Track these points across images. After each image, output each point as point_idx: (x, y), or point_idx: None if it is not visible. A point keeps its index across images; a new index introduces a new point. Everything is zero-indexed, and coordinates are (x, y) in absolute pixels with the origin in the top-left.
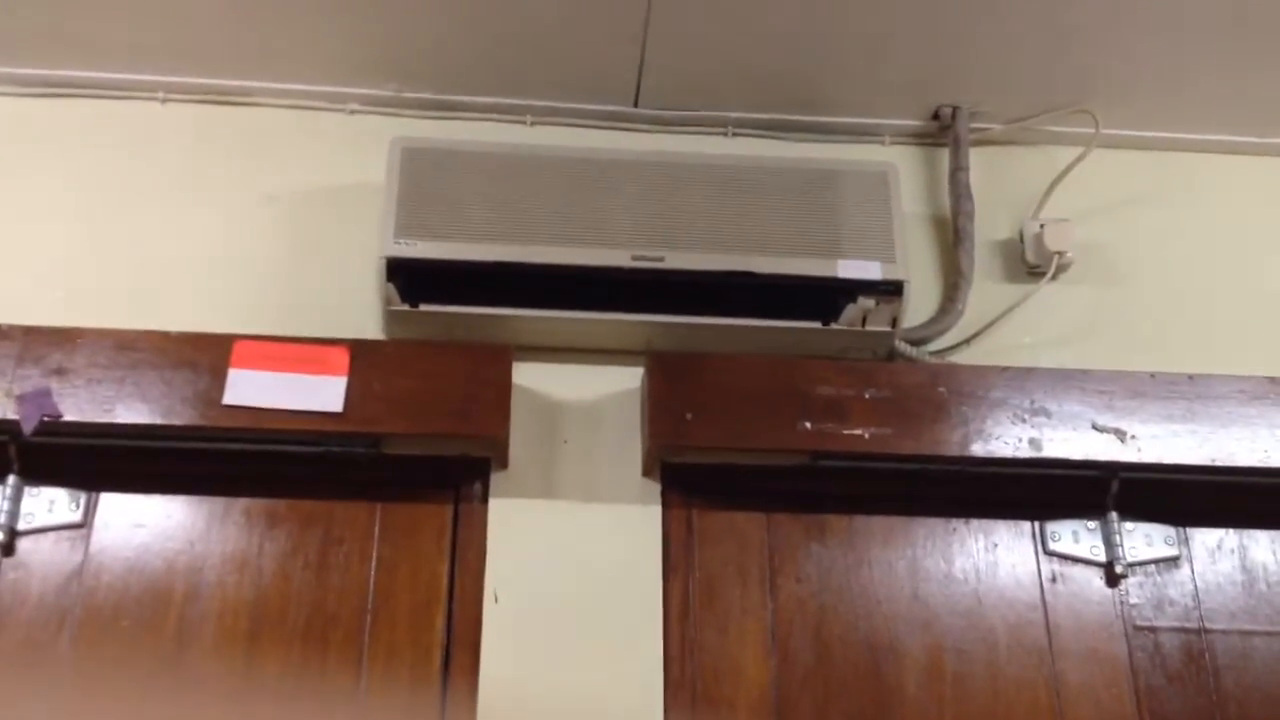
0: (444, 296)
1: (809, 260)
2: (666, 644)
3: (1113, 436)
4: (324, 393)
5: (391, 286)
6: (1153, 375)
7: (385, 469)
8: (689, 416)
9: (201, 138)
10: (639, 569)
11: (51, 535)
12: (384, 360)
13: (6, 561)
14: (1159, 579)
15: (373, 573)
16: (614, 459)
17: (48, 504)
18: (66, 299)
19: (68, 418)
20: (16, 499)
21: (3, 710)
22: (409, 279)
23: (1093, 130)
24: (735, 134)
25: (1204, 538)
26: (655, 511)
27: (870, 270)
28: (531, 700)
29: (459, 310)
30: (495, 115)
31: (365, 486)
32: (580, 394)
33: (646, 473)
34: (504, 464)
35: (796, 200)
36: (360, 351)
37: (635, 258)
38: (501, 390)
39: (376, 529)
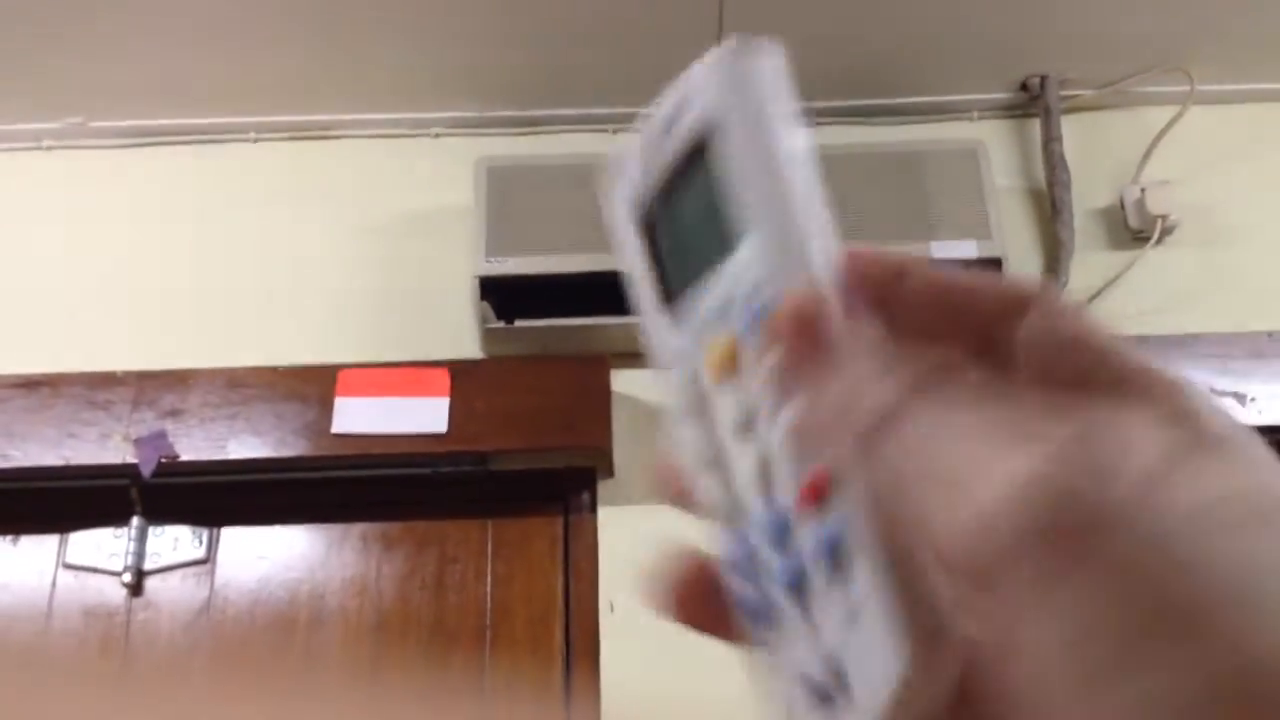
0: (538, 311)
1: (901, 245)
2: None
3: (1232, 400)
4: (428, 414)
5: (486, 305)
6: (1270, 334)
7: (493, 486)
8: None
9: (294, 173)
10: None
11: (178, 573)
12: (484, 379)
13: (136, 602)
14: None
15: (489, 589)
16: None
17: (172, 542)
18: (175, 342)
19: (184, 457)
20: (142, 539)
21: None
22: (502, 296)
23: (1188, 88)
24: (820, 124)
25: None
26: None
27: (966, 250)
28: (655, 707)
29: (554, 323)
30: (578, 127)
31: (475, 504)
32: None
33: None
34: (609, 472)
35: (885, 185)
36: (460, 372)
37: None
38: (601, 399)
39: (489, 546)
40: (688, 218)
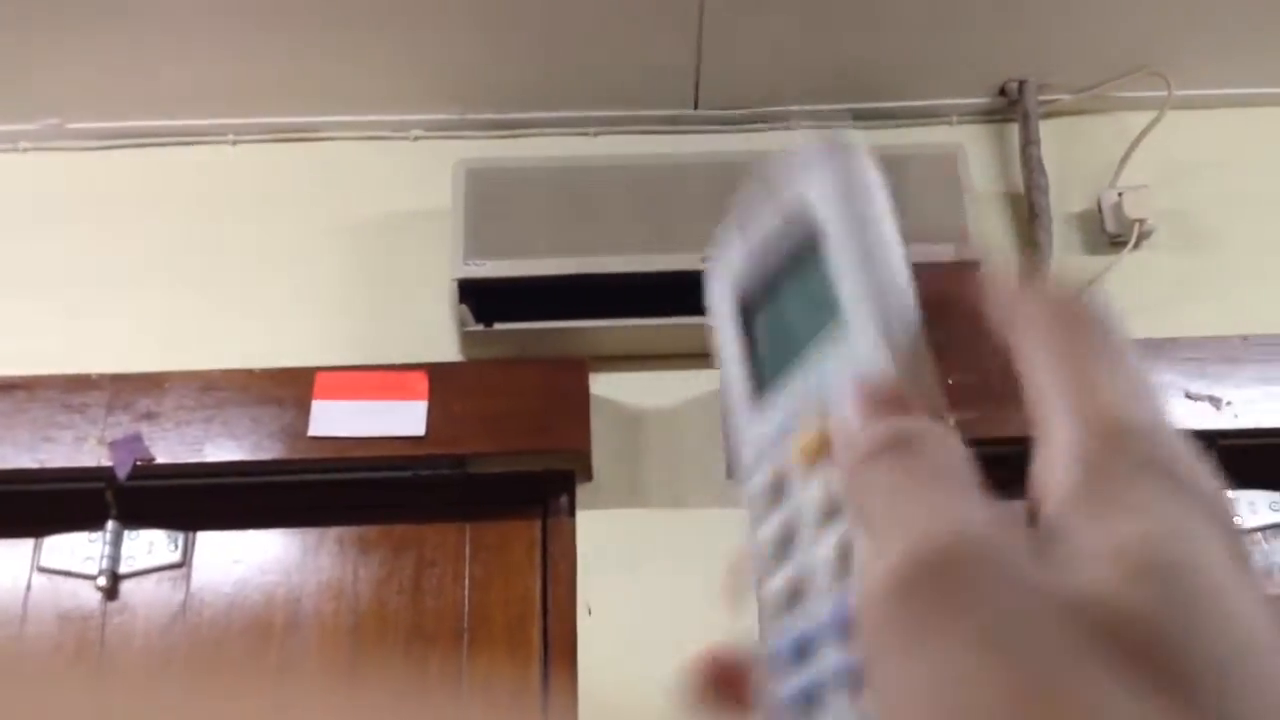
0: (517, 314)
1: None
2: None
3: (1207, 404)
4: (406, 418)
5: (465, 308)
6: (1245, 338)
7: (471, 489)
8: None
9: (272, 176)
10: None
11: (153, 576)
12: (462, 381)
13: (111, 605)
14: (1267, 546)
15: (467, 593)
16: (697, 463)
17: (147, 546)
18: (151, 345)
19: (160, 460)
20: (117, 543)
21: None
22: (481, 299)
23: (1165, 92)
24: (799, 128)
25: None
26: (742, 514)
27: (944, 253)
28: (632, 711)
29: (533, 326)
30: (557, 129)
31: (453, 507)
32: (659, 400)
33: (731, 475)
34: (588, 476)
35: None
36: (438, 374)
37: (705, 260)
38: (580, 402)
39: (467, 549)
40: (788, 308)
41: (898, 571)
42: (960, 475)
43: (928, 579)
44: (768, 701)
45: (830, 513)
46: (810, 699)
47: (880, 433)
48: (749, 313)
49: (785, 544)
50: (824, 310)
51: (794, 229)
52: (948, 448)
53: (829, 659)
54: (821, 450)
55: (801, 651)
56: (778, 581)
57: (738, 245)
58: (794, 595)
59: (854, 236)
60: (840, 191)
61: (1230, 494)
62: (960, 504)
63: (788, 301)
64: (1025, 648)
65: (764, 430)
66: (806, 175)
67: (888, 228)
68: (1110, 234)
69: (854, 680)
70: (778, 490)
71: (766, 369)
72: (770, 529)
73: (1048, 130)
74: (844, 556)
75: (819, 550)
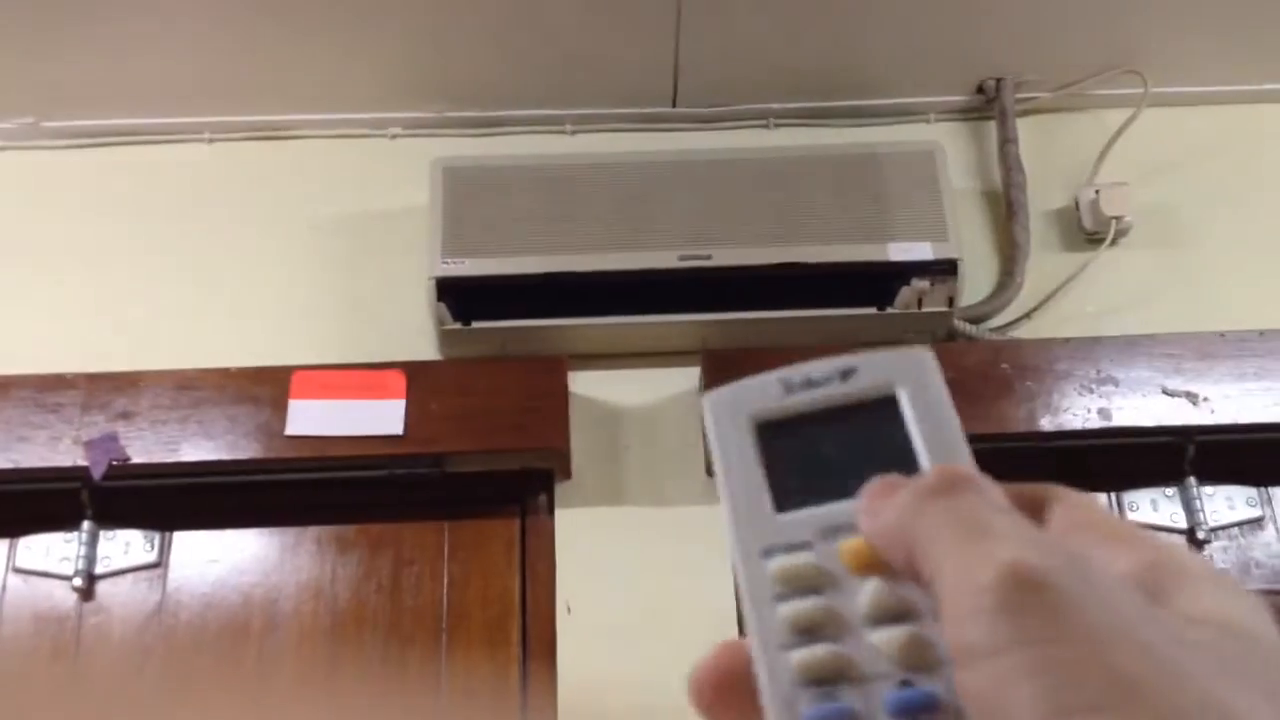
0: (495, 312)
1: (859, 246)
2: None
3: (1184, 400)
4: (384, 417)
5: (443, 306)
6: (1222, 334)
7: (450, 488)
8: None
9: (249, 174)
10: (709, 570)
11: (129, 577)
12: (440, 380)
13: (87, 606)
14: (1244, 541)
15: (445, 591)
16: (677, 461)
17: (123, 546)
18: (126, 344)
19: (135, 460)
20: (93, 543)
21: None
22: (459, 298)
23: (1142, 90)
24: (777, 125)
25: None
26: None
27: (921, 251)
28: (611, 708)
29: (511, 324)
30: (535, 127)
31: (432, 506)
32: (638, 398)
33: (710, 473)
34: (567, 474)
35: (842, 187)
36: (416, 373)
37: (683, 257)
38: (559, 401)
39: (446, 548)
40: (835, 447)
41: (998, 584)
42: (1014, 511)
43: (1030, 591)
44: None
45: (884, 615)
46: None
47: (945, 473)
48: (765, 437)
49: (817, 628)
50: (886, 456)
51: (867, 398)
52: (996, 490)
53: None
54: (870, 560)
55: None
56: (805, 656)
57: (775, 388)
58: (836, 673)
59: (929, 410)
60: (911, 371)
61: (1208, 490)
62: (1027, 531)
63: (835, 442)
64: (1117, 641)
65: (791, 530)
66: (891, 365)
67: (947, 398)
68: (1088, 231)
69: None
70: (808, 580)
71: (792, 480)
72: (794, 610)
73: (1025, 128)
74: (911, 652)
75: (875, 642)
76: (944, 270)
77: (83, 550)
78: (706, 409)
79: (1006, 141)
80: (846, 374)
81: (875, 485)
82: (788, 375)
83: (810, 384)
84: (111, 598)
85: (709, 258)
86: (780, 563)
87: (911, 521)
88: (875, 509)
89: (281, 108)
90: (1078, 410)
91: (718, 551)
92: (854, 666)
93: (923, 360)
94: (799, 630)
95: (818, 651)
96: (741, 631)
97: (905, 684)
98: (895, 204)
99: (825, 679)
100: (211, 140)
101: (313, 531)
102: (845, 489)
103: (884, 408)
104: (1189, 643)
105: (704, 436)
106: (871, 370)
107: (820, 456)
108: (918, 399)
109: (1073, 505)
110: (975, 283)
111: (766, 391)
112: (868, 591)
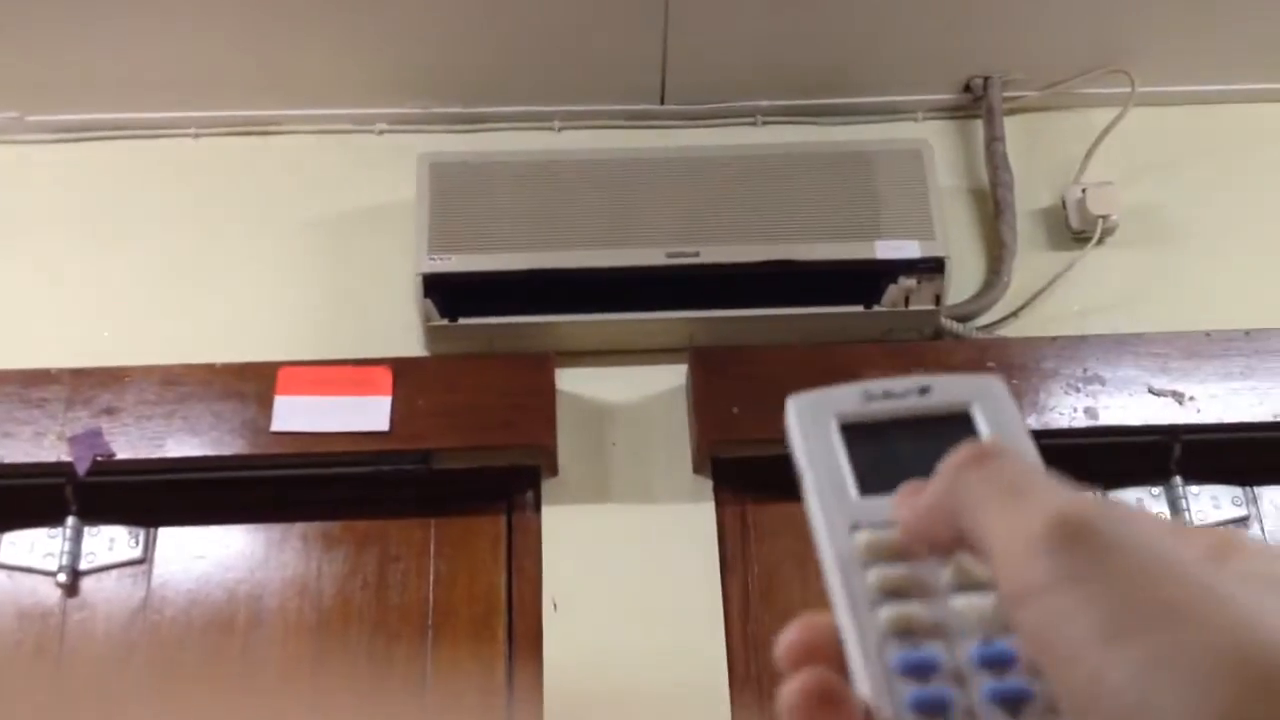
0: (482, 309)
1: (846, 244)
2: (729, 641)
3: (1170, 399)
4: (370, 413)
5: (429, 303)
6: (1208, 334)
7: (436, 484)
8: (735, 410)
9: (235, 169)
10: (696, 568)
11: (114, 573)
12: (426, 377)
13: (71, 602)
14: None
15: (431, 588)
16: (663, 458)
17: (108, 542)
18: (112, 339)
19: (120, 456)
20: (77, 539)
21: None
22: (446, 294)
23: (1129, 89)
24: (764, 123)
25: (1273, 495)
26: (709, 509)
27: (909, 249)
28: (597, 706)
29: (498, 321)
30: (523, 124)
31: (418, 503)
32: (625, 395)
33: (697, 470)
34: (554, 471)
35: (830, 184)
36: (403, 370)
37: (670, 255)
38: (546, 398)
39: (432, 545)
40: (915, 447)
41: (1048, 532)
42: (1045, 470)
43: (1079, 534)
44: (877, 697)
45: (962, 585)
46: (938, 706)
47: (973, 447)
48: (849, 434)
49: (902, 590)
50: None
51: (944, 411)
52: (1021, 455)
53: (981, 681)
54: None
55: (927, 671)
56: (893, 611)
57: (857, 395)
58: (922, 628)
59: (1004, 425)
60: (994, 403)
61: (1194, 489)
62: (1063, 486)
63: (915, 443)
64: (1160, 573)
65: (875, 510)
66: (966, 385)
67: (1023, 426)
68: (1074, 230)
69: (1004, 699)
70: (893, 550)
71: (875, 471)
72: (881, 574)
73: (1012, 126)
74: (987, 618)
75: (957, 607)
76: (931, 268)
77: (67, 546)
78: (791, 408)
79: (994, 140)
80: (924, 390)
81: (905, 487)
82: (868, 386)
83: (890, 395)
84: (96, 594)
85: (697, 255)
86: (867, 536)
87: (951, 495)
88: (909, 501)
89: (268, 103)
90: (1064, 409)
91: (706, 547)
92: (939, 624)
93: (995, 384)
94: (886, 591)
95: (905, 608)
96: (729, 632)
97: (986, 641)
98: (883, 202)
99: (912, 631)
100: (198, 135)
101: (298, 528)
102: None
103: (959, 420)
104: (1231, 580)
105: (690, 430)
106: (947, 388)
107: (899, 452)
108: (991, 415)
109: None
110: (962, 281)
111: (849, 397)
112: (951, 563)
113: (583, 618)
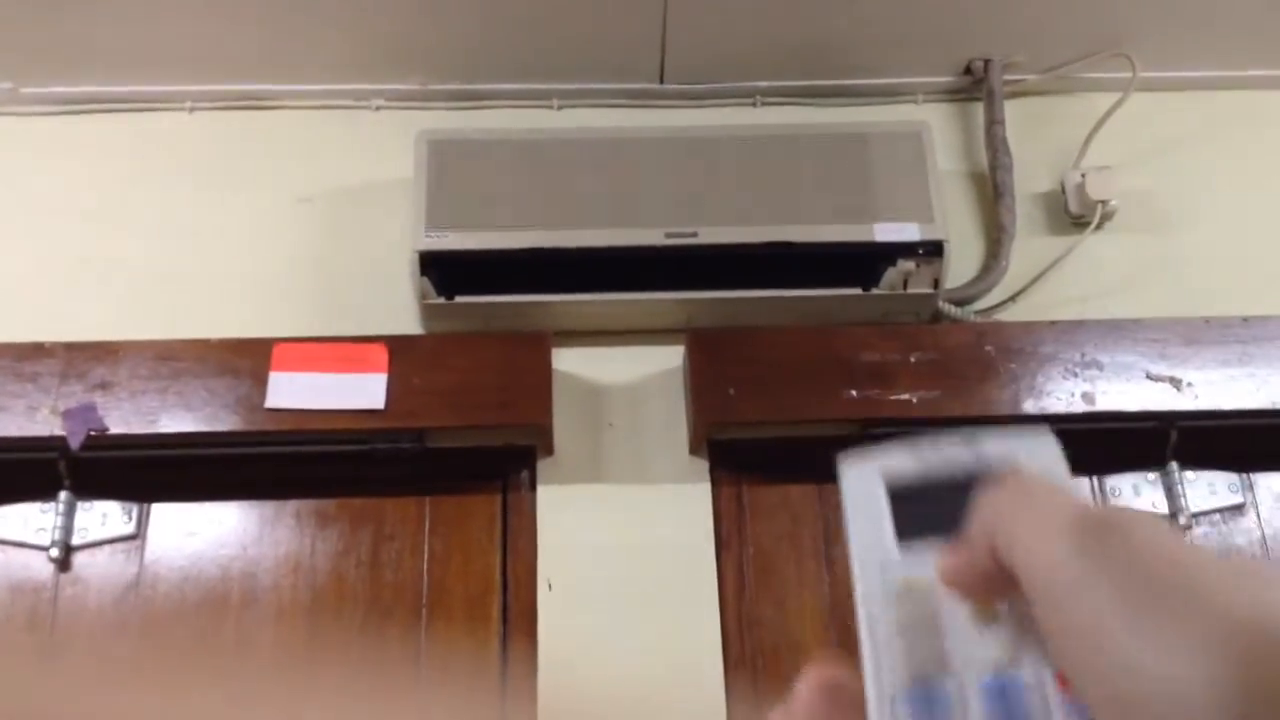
0: (479, 287)
1: (845, 226)
2: (724, 622)
3: (1168, 385)
4: (365, 390)
5: (426, 280)
6: (1206, 320)
7: (431, 463)
8: (732, 392)
9: (230, 144)
10: (691, 548)
11: (106, 548)
12: (422, 355)
13: (63, 577)
14: (1225, 527)
15: (425, 567)
16: (660, 439)
17: (100, 517)
18: (105, 313)
19: (114, 431)
20: (69, 514)
21: None
22: (443, 272)
23: (1130, 74)
24: (764, 104)
25: (1269, 482)
26: (705, 489)
27: (908, 232)
28: (591, 685)
29: (495, 299)
30: (521, 102)
31: (413, 481)
32: (622, 376)
33: (694, 451)
34: (549, 451)
35: (829, 166)
36: (398, 347)
37: (668, 235)
38: (542, 377)
39: (427, 523)
40: (957, 503)
41: (1071, 532)
42: (1060, 486)
43: (1099, 534)
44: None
45: (983, 619)
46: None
47: (1007, 473)
48: (892, 485)
49: (924, 628)
50: None
51: (989, 465)
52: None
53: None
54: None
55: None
56: (909, 645)
57: (906, 456)
58: (936, 663)
59: (1046, 471)
60: (1044, 451)
61: (1190, 476)
62: (1077, 495)
63: (954, 493)
64: (1178, 562)
65: (910, 557)
66: (1016, 440)
67: (1066, 473)
68: (1073, 214)
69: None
70: (920, 589)
71: (914, 526)
72: (905, 612)
73: (1012, 110)
74: (1011, 653)
75: (979, 641)
76: (930, 251)
77: (59, 521)
78: (842, 466)
79: (994, 123)
80: (972, 446)
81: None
82: (917, 442)
83: (938, 449)
84: (88, 569)
85: (695, 235)
86: (896, 574)
87: (982, 521)
88: (950, 550)
89: (264, 78)
90: (1061, 394)
91: (701, 527)
92: (951, 658)
93: (1045, 437)
94: (906, 626)
95: (923, 643)
96: (724, 613)
97: (995, 675)
98: (882, 184)
99: (928, 665)
100: (193, 109)
101: (292, 505)
102: (941, 534)
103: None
104: (1237, 567)
105: (686, 411)
106: (997, 443)
107: (939, 501)
108: (1038, 466)
109: None
110: (961, 265)
111: (898, 453)
112: (967, 605)
113: (578, 597)
